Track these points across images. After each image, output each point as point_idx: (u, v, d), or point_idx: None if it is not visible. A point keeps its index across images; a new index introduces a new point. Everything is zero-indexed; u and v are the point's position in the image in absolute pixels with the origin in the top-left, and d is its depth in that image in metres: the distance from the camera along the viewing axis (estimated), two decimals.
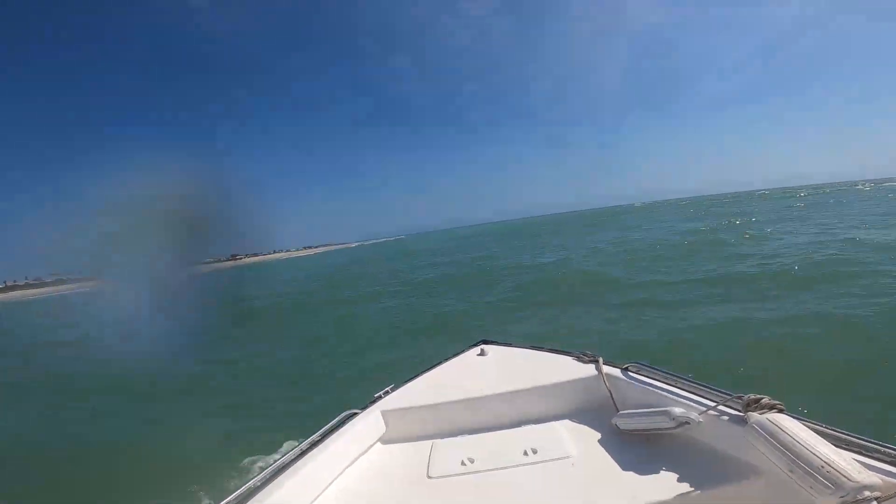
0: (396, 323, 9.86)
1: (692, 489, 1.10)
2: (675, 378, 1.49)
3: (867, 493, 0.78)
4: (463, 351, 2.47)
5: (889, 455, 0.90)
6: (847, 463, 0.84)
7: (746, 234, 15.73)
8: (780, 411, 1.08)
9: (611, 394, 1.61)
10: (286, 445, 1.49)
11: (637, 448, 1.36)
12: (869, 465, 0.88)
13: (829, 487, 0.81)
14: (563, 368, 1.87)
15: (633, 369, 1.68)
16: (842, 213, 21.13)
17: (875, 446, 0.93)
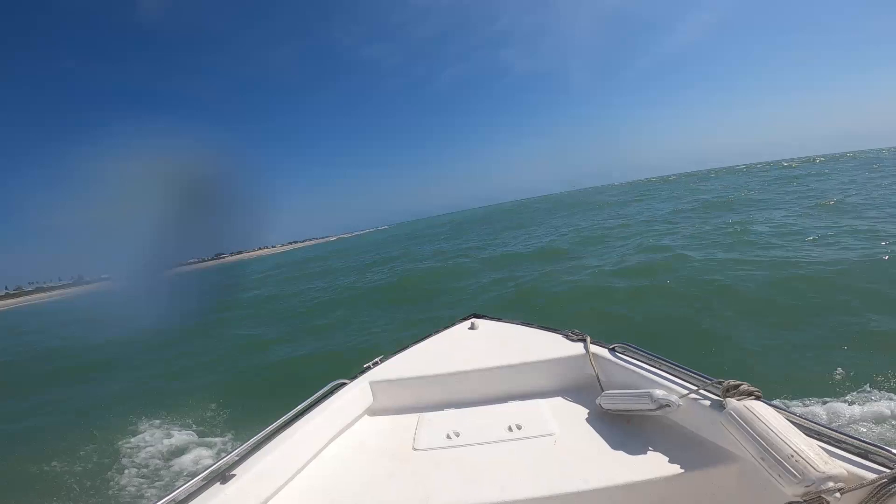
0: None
1: (669, 471, 1.13)
2: (659, 360, 1.51)
3: (831, 484, 0.81)
4: (454, 324, 2.47)
5: (855, 447, 0.92)
6: (815, 453, 0.86)
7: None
8: (758, 398, 1.10)
9: (596, 373, 1.64)
10: (273, 415, 1.49)
11: (619, 428, 1.39)
12: (836, 454, 0.91)
13: (796, 477, 0.84)
14: (552, 346, 1.88)
15: (620, 349, 1.69)
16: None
17: (843, 437, 0.96)
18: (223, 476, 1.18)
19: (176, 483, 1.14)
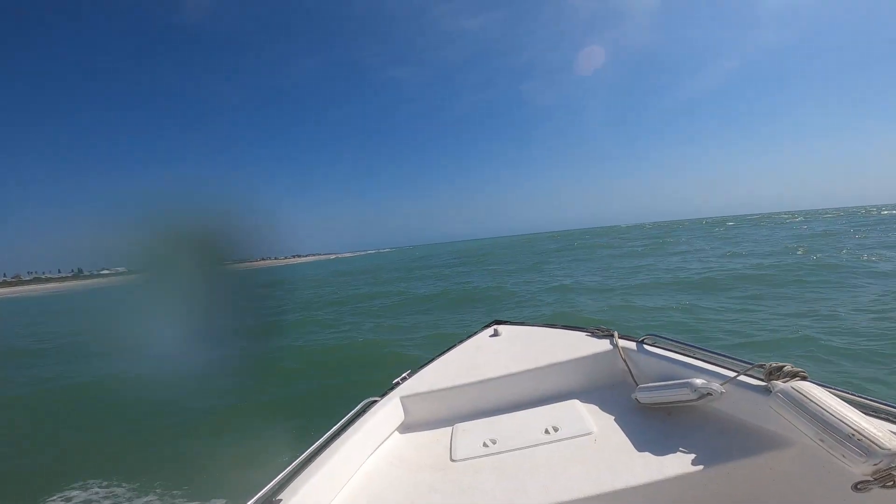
0: None
1: (719, 461, 1.09)
2: (692, 349, 1.47)
3: None
4: (476, 332, 2.47)
5: None
6: (878, 430, 0.82)
7: None
8: (804, 379, 1.06)
9: (628, 368, 1.60)
10: (308, 437, 1.50)
11: (659, 422, 1.35)
12: None
13: (861, 455, 0.80)
14: (578, 344, 1.86)
15: (649, 341, 1.66)
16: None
17: None
18: (270, 502, 1.18)
19: None
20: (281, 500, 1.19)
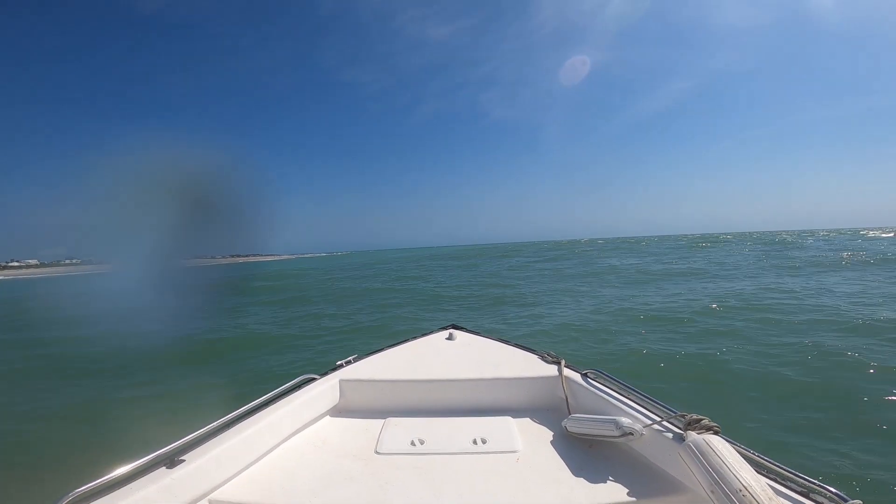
0: None
1: (625, 498, 1.14)
2: (628, 389, 1.54)
3: None
4: (431, 332, 2.47)
5: (801, 485, 0.97)
6: (762, 489, 0.89)
7: None
8: (716, 433, 1.13)
9: (566, 396, 1.65)
10: (237, 403, 1.45)
11: (582, 452, 1.40)
12: (782, 493, 0.96)
13: None
14: (525, 365, 1.90)
15: (592, 376, 1.72)
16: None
17: (789, 474, 1.01)
18: (171, 460, 1.13)
19: (116, 464, 1.08)
20: (184, 460, 1.15)
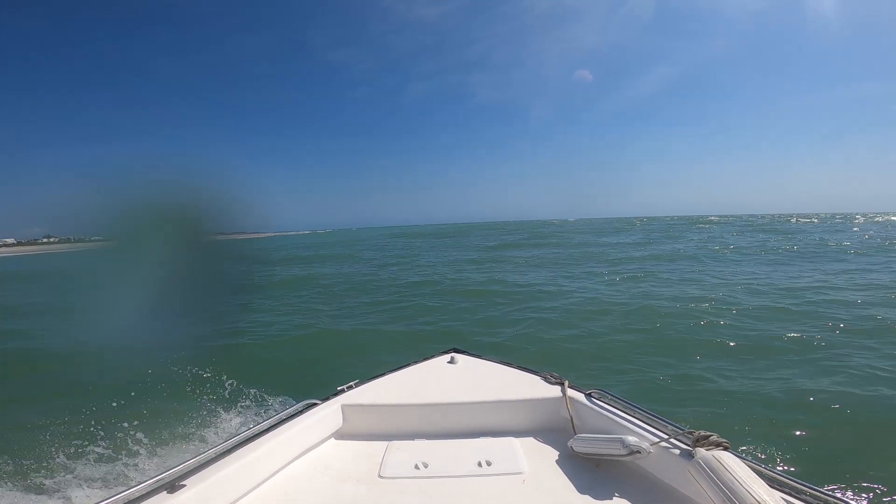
0: None
1: None
2: (633, 408, 1.52)
3: None
4: (433, 356, 2.46)
5: (815, 497, 0.96)
6: (775, 503, 0.88)
7: None
8: (726, 449, 1.12)
9: (571, 417, 1.63)
10: (241, 427, 1.45)
11: (588, 472, 1.37)
12: None
13: None
14: (528, 387, 1.88)
15: (596, 395, 1.70)
16: None
17: (803, 488, 0.99)
18: (171, 485, 1.12)
19: (117, 489, 1.08)
20: (185, 485, 1.13)
